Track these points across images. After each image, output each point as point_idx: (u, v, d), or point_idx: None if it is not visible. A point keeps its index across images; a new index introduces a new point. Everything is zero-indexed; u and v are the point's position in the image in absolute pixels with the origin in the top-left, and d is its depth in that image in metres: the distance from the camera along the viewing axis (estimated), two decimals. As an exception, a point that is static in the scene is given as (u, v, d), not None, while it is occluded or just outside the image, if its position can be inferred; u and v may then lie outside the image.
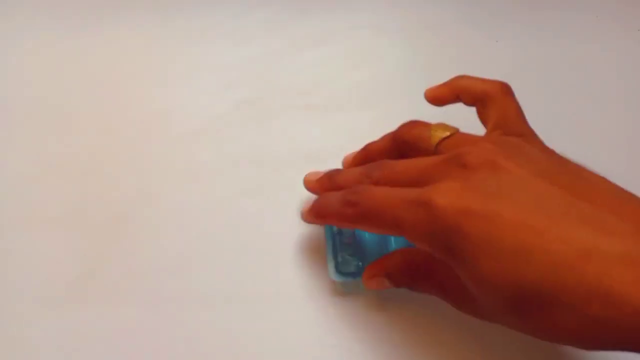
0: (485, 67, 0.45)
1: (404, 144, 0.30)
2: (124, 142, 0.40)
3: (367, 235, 0.33)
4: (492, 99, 0.29)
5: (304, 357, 0.30)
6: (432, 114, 0.42)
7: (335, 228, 0.32)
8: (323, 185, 0.31)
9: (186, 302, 0.32)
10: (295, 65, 0.45)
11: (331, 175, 0.31)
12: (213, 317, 0.31)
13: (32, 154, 0.39)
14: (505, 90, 0.30)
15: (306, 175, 0.32)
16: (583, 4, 0.50)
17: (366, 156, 0.33)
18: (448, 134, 0.28)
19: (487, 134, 0.29)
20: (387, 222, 0.25)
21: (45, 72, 0.44)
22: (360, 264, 0.31)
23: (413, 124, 0.30)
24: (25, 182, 0.37)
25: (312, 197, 0.32)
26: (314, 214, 0.30)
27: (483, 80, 0.31)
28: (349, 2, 0.50)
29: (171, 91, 0.43)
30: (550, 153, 0.27)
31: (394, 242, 0.33)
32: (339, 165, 0.39)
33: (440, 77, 0.44)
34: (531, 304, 0.21)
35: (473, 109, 0.32)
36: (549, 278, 0.21)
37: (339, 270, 0.31)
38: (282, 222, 0.35)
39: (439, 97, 0.33)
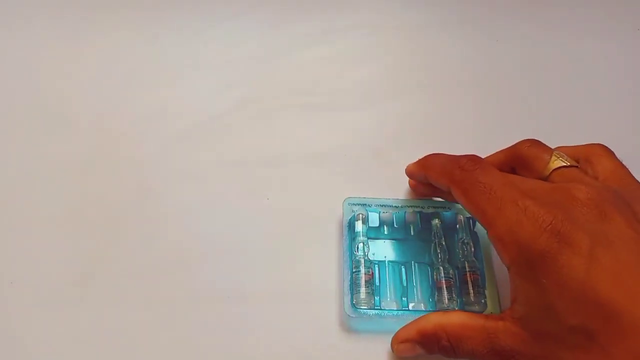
0: (485, 66, 0.45)
1: (519, 158, 0.30)
2: (124, 142, 0.40)
3: (387, 273, 0.33)
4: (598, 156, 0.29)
5: (303, 356, 0.30)
6: (432, 115, 0.42)
7: (354, 263, 0.32)
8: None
9: (186, 302, 0.32)
10: (294, 65, 0.45)
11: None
12: (213, 317, 0.31)
13: (32, 154, 0.39)
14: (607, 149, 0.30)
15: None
16: (583, 3, 0.50)
17: None
18: (568, 164, 0.28)
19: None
20: (490, 204, 0.26)
21: (45, 72, 0.44)
22: (378, 301, 0.31)
23: (535, 142, 0.31)
24: (25, 182, 0.37)
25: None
26: (420, 164, 0.32)
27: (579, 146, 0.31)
28: (349, 1, 0.50)
29: (171, 90, 0.43)
30: None
31: (415, 282, 0.32)
32: (339, 165, 0.39)
33: (440, 77, 0.45)
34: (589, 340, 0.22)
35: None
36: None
37: (354, 306, 0.30)
38: (281, 222, 0.35)
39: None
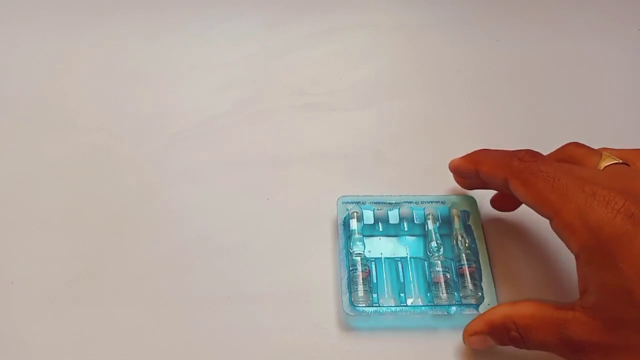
0: (486, 66, 0.45)
1: (570, 157, 0.30)
2: (124, 142, 0.40)
3: (384, 270, 0.33)
4: None
5: (303, 355, 0.30)
6: (432, 116, 0.42)
7: (350, 262, 0.32)
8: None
9: (185, 302, 0.32)
10: (294, 65, 0.45)
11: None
12: (213, 317, 0.31)
13: (32, 153, 0.39)
14: None
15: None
16: (583, 3, 0.50)
17: None
18: (619, 161, 0.28)
19: None
20: (555, 192, 0.25)
21: (45, 72, 0.44)
22: (376, 298, 0.31)
23: (582, 144, 0.30)
24: (25, 182, 0.37)
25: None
26: (469, 159, 0.31)
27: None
28: (349, 1, 0.50)
29: (171, 90, 0.43)
30: None
31: (412, 277, 0.32)
32: (340, 165, 0.39)
33: (440, 76, 0.45)
34: None
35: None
36: None
37: (353, 304, 0.30)
38: (281, 222, 0.35)
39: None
